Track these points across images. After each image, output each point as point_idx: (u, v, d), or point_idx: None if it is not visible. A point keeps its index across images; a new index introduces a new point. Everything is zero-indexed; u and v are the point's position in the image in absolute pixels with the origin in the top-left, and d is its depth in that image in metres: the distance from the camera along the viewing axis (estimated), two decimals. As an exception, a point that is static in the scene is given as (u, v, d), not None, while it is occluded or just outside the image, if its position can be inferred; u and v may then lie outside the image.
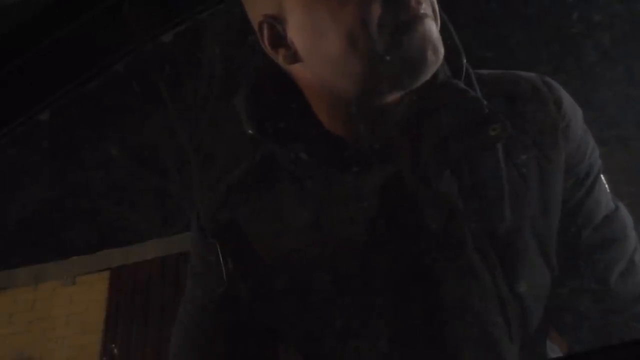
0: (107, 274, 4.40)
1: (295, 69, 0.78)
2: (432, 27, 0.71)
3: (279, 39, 0.75)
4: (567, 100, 0.81)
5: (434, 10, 0.73)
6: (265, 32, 0.75)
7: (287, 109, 0.80)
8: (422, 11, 0.70)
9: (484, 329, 0.76)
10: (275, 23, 0.75)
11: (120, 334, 4.12)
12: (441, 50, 0.72)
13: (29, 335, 4.32)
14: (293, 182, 0.81)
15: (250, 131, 0.78)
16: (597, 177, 0.81)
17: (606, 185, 0.82)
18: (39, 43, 0.71)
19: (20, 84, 0.74)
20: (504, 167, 0.77)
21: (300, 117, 0.78)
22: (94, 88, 0.75)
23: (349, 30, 0.69)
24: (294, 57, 0.75)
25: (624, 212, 0.83)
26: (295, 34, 0.74)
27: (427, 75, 0.72)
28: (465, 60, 0.78)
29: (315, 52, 0.74)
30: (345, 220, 0.78)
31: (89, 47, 0.74)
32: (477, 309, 0.76)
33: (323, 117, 0.78)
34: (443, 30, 0.76)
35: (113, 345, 4.03)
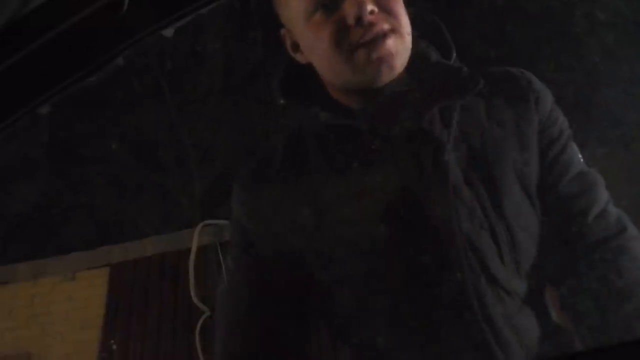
0: (107, 270, 4.40)
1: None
2: (387, 43, 0.92)
3: (296, 46, 1.02)
4: (537, 81, 1.01)
5: (395, 26, 0.93)
6: (287, 40, 1.03)
7: (309, 83, 1.03)
8: (376, 31, 0.91)
9: (475, 250, 0.87)
10: (291, 34, 1.01)
11: (119, 330, 4.13)
12: (395, 60, 0.92)
13: (28, 331, 4.33)
14: (313, 169, 0.97)
15: (282, 101, 1.03)
16: (569, 140, 0.98)
17: (578, 151, 0.98)
18: (39, 37, 0.71)
19: (19, 78, 0.74)
20: (486, 121, 0.96)
21: (318, 88, 1.03)
22: (94, 82, 0.75)
23: (324, 49, 0.95)
24: (307, 59, 1.01)
25: (596, 174, 0.97)
26: (301, 44, 1.01)
27: (389, 74, 0.93)
28: (455, 54, 1.00)
29: (313, 59, 1.00)
30: (356, 213, 0.92)
31: (89, 41, 0.73)
32: (468, 232, 0.88)
33: (333, 92, 1.02)
34: (435, 29, 1.00)
35: (112, 341, 4.03)
